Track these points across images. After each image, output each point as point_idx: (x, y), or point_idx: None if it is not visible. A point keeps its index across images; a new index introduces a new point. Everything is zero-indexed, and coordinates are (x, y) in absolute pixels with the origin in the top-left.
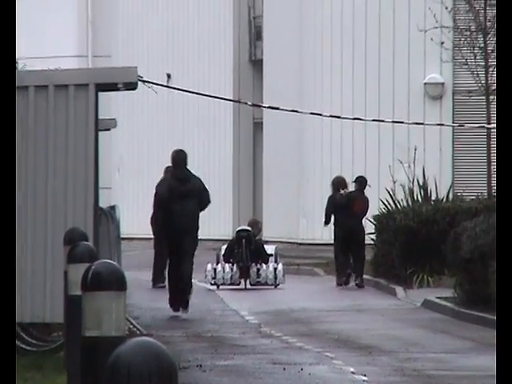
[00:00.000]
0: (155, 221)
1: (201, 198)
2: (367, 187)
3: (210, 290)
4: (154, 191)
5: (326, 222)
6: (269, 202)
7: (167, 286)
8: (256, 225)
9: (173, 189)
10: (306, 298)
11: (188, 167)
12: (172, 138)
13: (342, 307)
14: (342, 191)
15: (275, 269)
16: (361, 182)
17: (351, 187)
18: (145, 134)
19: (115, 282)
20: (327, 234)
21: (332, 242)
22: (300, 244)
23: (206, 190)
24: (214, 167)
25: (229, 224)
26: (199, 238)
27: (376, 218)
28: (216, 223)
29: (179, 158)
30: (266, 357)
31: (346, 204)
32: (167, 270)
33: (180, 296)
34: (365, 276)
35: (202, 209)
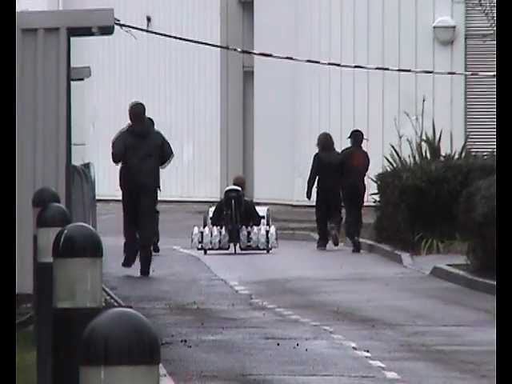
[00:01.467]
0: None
1: (161, 153)
2: (364, 141)
3: (195, 257)
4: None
5: (309, 191)
6: (260, 159)
7: (124, 248)
8: (243, 183)
9: (129, 145)
10: (302, 265)
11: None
12: (152, 88)
13: (342, 276)
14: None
15: (267, 232)
16: (356, 136)
17: (339, 146)
18: (122, 85)
19: (90, 248)
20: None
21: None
22: (295, 206)
23: (167, 143)
24: (199, 121)
25: (216, 184)
26: (158, 196)
27: (380, 176)
28: (202, 183)
29: (136, 111)
30: (257, 331)
31: (343, 161)
32: (123, 232)
33: (141, 263)
34: (368, 241)
35: (163, 163)
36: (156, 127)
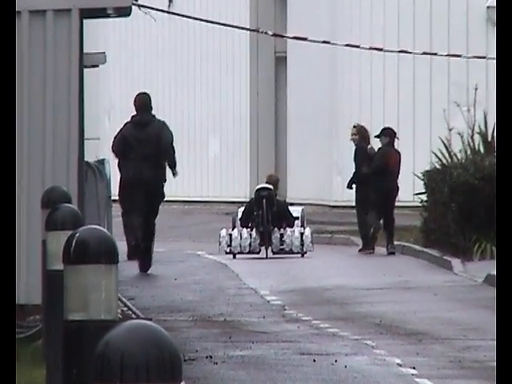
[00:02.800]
0: None
1: (159, 145)
2: (396, 140)
3: (222, 263)
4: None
5: (353, 182)
6: (294, 154)
7: (127, 242)
8: (277, 182)
9: (129, 136)
10: (341, 273)
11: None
12: (175, 76)
13: (386, 284)
14: (369, 146)
15: (302, 234)
16: (390, 134)
17: (373, 143)
18: (141, 72)
19: (105, 254)
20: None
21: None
22: (333, 207)
23: (168, 134)
24: (226, 113)
25: (245, 183)
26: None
27: (427, 174)
28: (230, 182)
29: (141, 101)
30: (291, 346)
31: (379, 162)
32: (124, 230)
33: (141, 261)
34: (413, 246)
35: (166, 156)
36: (178, 120)
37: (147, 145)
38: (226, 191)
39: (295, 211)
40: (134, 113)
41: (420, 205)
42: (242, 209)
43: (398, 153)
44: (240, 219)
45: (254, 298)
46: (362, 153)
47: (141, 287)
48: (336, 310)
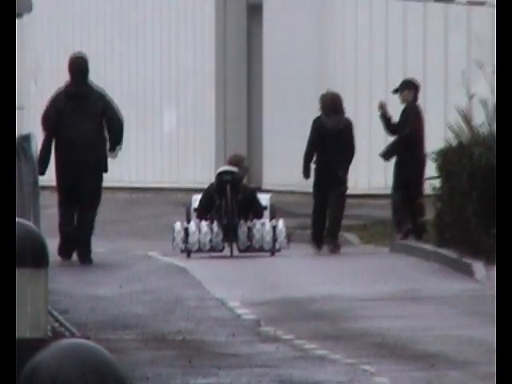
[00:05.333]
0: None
1: (107, 120)
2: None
3: (179, 266)
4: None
5: (306, 170)
6: (272, 129)
7: (60, 239)
8: (241, 163)
9: (63, 110)
10: (332, 279)
11: (90, 80)
12: (119, 29)
13: (388, 294)
14: (381, 104)
15: (274, 228)
16: (415, 87)
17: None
18: (76, 23)
19: (31, 254)
20: (374, 179)
21: (381, 191)
22: None
23: (113, 107)
24: (185, 77)
25: (209, 165)
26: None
27: (441, 153)
28: (190, 165)
29: (76, 66)
30: (268, 372)
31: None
32: (58, 223)
33: (79, 251)
34: (424, 245)
35: (114, 137)
36: (123, 84)
37: (87, 121)
38: (184, 176)
39: (263, 199)
40: (67, 78)
41: (432, 193)
42: (197, 196)
43: (421, 113)
44: (195, 209)
45: (220, 312)
46: (313, 129)
47: (76, 297)
48: (325, 327)
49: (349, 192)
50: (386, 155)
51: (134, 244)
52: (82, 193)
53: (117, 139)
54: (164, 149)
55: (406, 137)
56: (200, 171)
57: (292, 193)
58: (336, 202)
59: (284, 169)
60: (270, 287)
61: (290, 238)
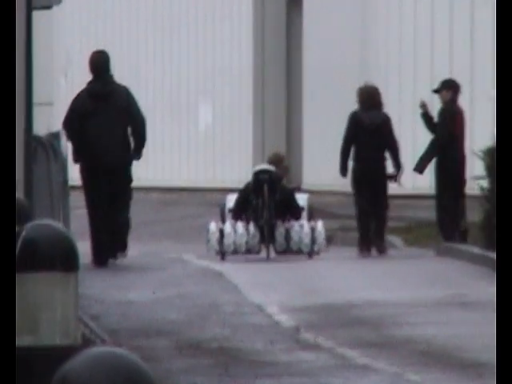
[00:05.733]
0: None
1: (129, 117)
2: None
3: (215, 270)
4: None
5: (343, 167)
6: (312, 126)
7: (92, 242)
8: (281, 162)
9: (87, 110)
10: (375, 283)
11: (112, 75)
12: (153, 21)
13: (434, 299)
14: (422, 103)
15: (312, 229)
16: (454, 87)
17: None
18: (108, 16)
19: (60, 258)
20: (419, 179)
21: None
22: None
23: (136, 101)
24: (222, 71)
25: (247, 164)
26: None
27: (489, 151)
28: (226, 163)
29: (98, 62)
30: (308, 381)
31: (443, 128)
32: (89, 229)
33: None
34: (471, 248)
35: (138, 135)
36: (157, 80)
37: (111, 121)
38: (220, 175)
39: (300, 199)
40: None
41: (480, 193)
42: (232, 196)
43: (463, 112)
44: (231, 210)
45: (258, 318)
46: (350, 124)
47: (108, 303)
48: (368, 334)
49: (392, 192)
50: (418, 168)
51: (167, 247)
52: (110, 194)
53: (141, 137)
54: (199, 147)
55: (438, 139)
56: (237, 171)
57: (333, 193)
58: (379, 202)
59: (324, 168)
60: (309, 292)
61: (329, 240)
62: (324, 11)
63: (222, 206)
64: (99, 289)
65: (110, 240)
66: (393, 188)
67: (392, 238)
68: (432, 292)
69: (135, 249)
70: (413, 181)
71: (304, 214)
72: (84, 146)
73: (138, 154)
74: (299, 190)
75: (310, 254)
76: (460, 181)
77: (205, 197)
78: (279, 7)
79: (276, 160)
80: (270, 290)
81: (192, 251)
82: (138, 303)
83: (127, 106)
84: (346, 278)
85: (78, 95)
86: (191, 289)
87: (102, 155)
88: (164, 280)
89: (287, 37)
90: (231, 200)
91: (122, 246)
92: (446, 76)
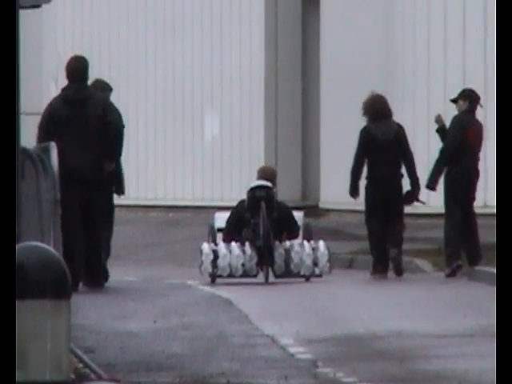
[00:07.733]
0: None
1: (105, 125)
2: (478, 108)
3: (223, 298)
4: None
5: (354, 188)
6: (330, 140)
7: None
8: (274, 177)
9: (61, 118)
10: (400, 312)
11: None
12: (154, 21)
13: (466, 330)
14: (438, 118)
15: (314, 250)
16: (472, 97)
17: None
18: (104, 15)
19: (50, 284)
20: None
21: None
22: None
23: (113, 112)
24: (230, 76)
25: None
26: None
27: None
28: (235, 179)
29: (75, 67)
30: None
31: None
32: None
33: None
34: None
35: (111, 144)
36: (159, 87)
37: (88, 130)
38: (228, 193)
39: (295, 217)
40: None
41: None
42: (220, 214)
43: (481, 124)
44: (222, 230)
45: (271, 351)
46: (361, 139)
47: (104, 334)
48: (392, 368)
49: (418, 211)
50: (429, 184)
51: (170, 271)
52: (83, 207)
53: (113, 145)
54: (205, 162)
55: (446, 148)
56: (246, 187)
57: (353, 211)
58: (392, 225)
59: (344, 185)
60: (327, 321)
61: (331, 261)
62: (343, 10)
63: (212, 223)
64: (94, 318)
65: (81, 260)
66: (419, 207)
67: (419, 262)
68: (464, 321)
69: (134, 274)
70: (439, 197)
71: (299, 233)
72: (59, 155)
73: (109, 162)
74: (317, 209)
75: (309, 277)
76: (467, 196)
77: (210, 216)
78: (294, 6)
79: (269, 175)
80: (283, 319)
81: (197, 277)
82: (138, 334)
83: (103, 115)
84: (367, 305)
85: (53, 101)
86: (196, 318)
87: (74, 166)
88: (166, 308)
89: (303, 38)
90: (219, 218)
91: (96, 273)
92: (480, 78)
